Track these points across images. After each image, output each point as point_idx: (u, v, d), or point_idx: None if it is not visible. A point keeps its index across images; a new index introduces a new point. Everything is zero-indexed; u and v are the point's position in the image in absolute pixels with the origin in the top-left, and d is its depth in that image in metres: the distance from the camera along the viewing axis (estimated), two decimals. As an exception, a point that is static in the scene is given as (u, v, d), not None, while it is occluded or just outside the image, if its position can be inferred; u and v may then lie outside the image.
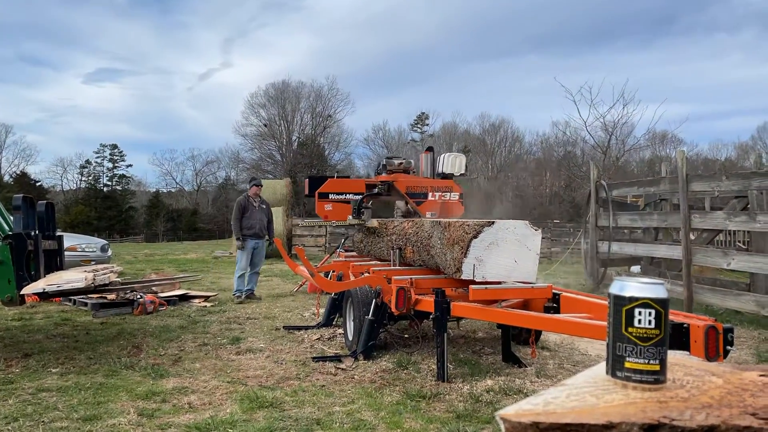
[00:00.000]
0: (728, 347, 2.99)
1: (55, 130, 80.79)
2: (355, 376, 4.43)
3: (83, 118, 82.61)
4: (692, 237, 8.02)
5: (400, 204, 7.32)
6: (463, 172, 7.36)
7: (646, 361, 1.02)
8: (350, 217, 6.69)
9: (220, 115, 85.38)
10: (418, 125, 52.85)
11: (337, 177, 7.33)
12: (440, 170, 7.32)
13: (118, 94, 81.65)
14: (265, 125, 47.03)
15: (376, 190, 7.01)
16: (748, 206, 7.60)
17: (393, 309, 4.95)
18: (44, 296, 4.65)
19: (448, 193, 7.12)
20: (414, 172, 7.45)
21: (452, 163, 7.28)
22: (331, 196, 6.88)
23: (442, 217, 6.62)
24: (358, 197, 6.84)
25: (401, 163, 7.31)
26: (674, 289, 7.44)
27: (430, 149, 7.83)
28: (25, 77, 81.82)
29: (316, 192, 6.95)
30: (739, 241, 14.17)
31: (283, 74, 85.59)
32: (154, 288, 8.17)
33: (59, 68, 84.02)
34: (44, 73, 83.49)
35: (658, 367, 1.03)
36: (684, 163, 7.57)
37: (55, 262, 5.63)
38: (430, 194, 7.02)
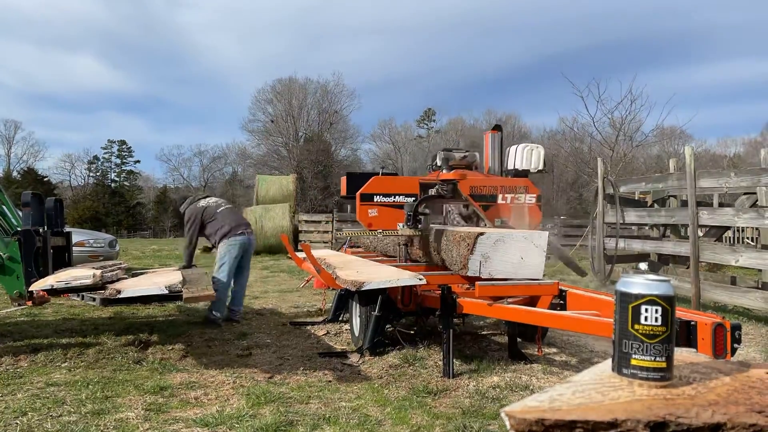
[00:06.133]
0: (736, 345, 2.98)
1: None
2: (361, 372, 4.45)
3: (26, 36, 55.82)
4: (700, 234, 7.98)
5: (456, 209, 6.06)
6: (541, 167, 5.97)
7: (653, 358, 1.02)
8: (402, 225, 5.27)
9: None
10: (425, 121, 52.81)
11: (383, 174, 5.87)
12: (512, 165, 5.98)
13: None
14: (272, 121, 47.10)
15: (434, 191, 5.55)
16: (757, 203, 7.55)
17: (399, 305, 4.96)
18: (53, 293, 4.69)
19: (523, 195, 5.73)
20: (478, 168, 6.10)
21: (528, 156, 5.91)
22: (376, 198, 5.51)
23: (515, 224, 5.58)
24: (412, 200, 5.51)
25: (465, 157, 5.86)
26: (682, 286, 7.40)
27: (497, 128, 6.24)
28: None
29: (358, 193, 5.56)
30: (748, 238, 14.09)
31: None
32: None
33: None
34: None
35: (664, 365, 1.03)
36: (692, 159, 7.52)
37: (64, 258, 5.67)
38: (500, 196, 5.67)
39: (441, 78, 79.32)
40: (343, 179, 6.40)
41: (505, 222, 5.57)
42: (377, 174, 5.73)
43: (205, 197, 6.92)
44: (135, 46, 69.12)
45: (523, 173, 5.91)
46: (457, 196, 5.58)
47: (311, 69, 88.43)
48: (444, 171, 5.70)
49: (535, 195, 5.78)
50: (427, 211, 5.30)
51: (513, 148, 5.97)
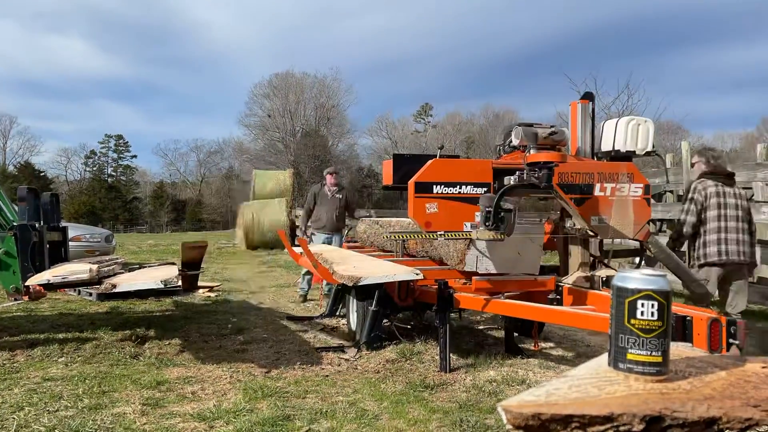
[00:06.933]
0: (731, 340, 3.00)
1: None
2: (359, 367, 4.45)
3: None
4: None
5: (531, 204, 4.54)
6: (650, 149, 4.63)
7: (649, 352, 1.03)
8: (473, 226, 4.06)
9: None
10: (422, 116, 52.76)
11: (442, 156, 4.56)
12: (610, 145, 4.63)
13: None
14: (269, 116, 46.98)
15: (514, 179, 4.13)
16: (753, 198, 7.57)
17: (396, 300, 4.97)
18: (49, 288, 4.68)
19: (627, 185, 4.45)
20: (563, 149, 4.52)
21: (633, 133, 4.54)
22: (436, 189, 4.16)
23: (616, 223, 4.41)
24: (484, 190, 4.19)
25: (553, 134, 4.31)
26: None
27: (588, 96, 4.82)
28: None
29: (411, 182, 4.19)
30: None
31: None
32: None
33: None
34: None
35: (660, 359, 1.03)
36: (688, 154, 7.52)
37: (60, 253, 5.66)
38: (598, 186, 4.38)
39: (439, 67, 79.17)
40: (387, 163, 5.03)
41: (604, 221, 4.40)
42: (434, 156, 4.49)
43: None
44: (125, 25, 66.81)
45: (626, 156, 4.61)
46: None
47: (309, 56, 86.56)
48: (532, 152, 4.13)
49: (642, 185, 4.50)
50: (509, 206, 3.95)
51: (612, 122, 4.67)
